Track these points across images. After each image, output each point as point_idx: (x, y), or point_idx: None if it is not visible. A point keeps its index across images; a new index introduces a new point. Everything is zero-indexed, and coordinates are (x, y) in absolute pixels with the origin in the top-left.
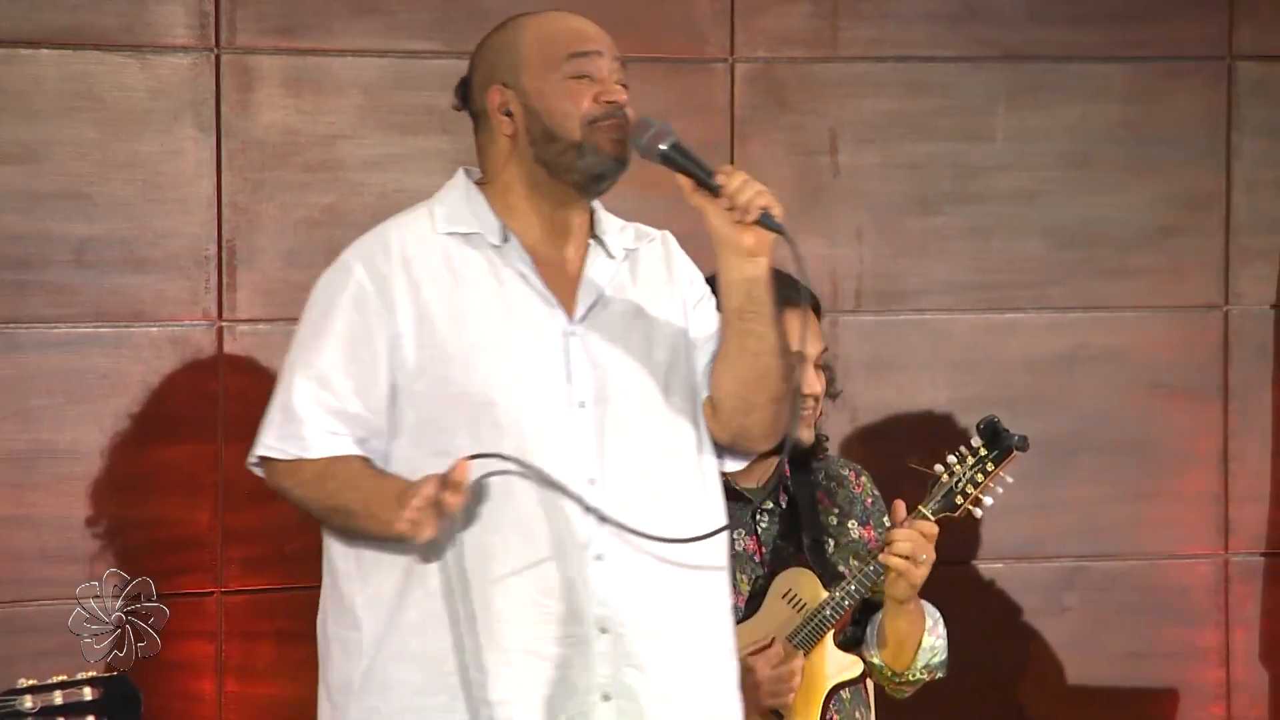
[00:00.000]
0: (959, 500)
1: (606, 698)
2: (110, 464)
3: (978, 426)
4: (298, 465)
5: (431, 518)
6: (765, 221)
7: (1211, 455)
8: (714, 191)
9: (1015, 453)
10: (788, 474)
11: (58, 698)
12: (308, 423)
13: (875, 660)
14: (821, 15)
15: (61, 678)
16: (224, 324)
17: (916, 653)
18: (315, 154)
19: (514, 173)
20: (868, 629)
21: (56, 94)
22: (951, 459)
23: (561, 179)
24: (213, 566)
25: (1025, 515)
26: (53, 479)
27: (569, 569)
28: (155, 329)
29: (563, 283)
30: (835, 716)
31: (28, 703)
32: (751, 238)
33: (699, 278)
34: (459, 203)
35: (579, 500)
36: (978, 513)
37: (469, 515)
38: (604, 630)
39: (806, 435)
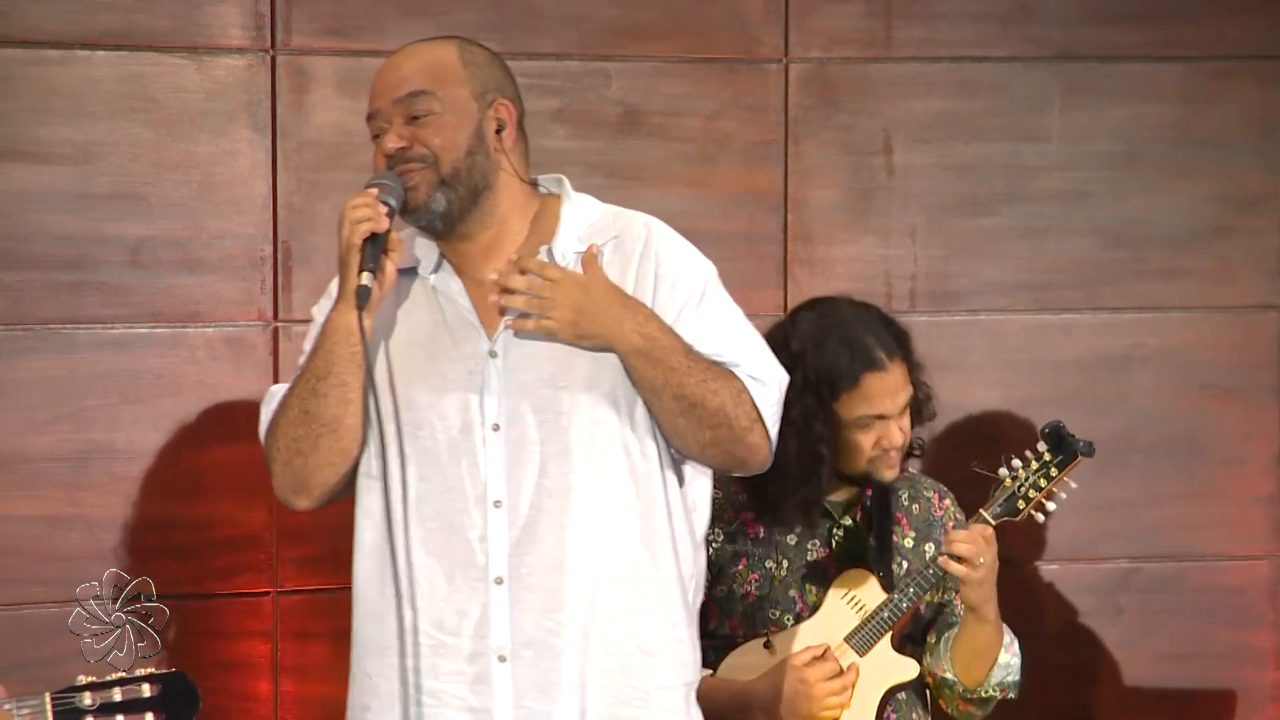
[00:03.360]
0: (1021, 505)
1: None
2: (165, 464)
3: (1042, 431)
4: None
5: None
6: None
7: (1266, 456)
8: None
9: (1080, 458)
10: (869, 492)
11: (116, 694)
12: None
13: (948, 675)
14: (875, 15)
15: (120, 674)
16: (279, 324)
17: (991, 669)
18: (369, 155)
19: None
20: (940, 644)
21: (112, 95)
22: (1016, 463)
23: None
24: (268, 566)
25: (1079, 516)
26: (107, 479)
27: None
28: (210, 330)
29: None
30: (893, 717)
31: (87, 699)
32: None
33: (684, 279)
34: (412, 237)
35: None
36: (1040, 518)
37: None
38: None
39: (888, 474)
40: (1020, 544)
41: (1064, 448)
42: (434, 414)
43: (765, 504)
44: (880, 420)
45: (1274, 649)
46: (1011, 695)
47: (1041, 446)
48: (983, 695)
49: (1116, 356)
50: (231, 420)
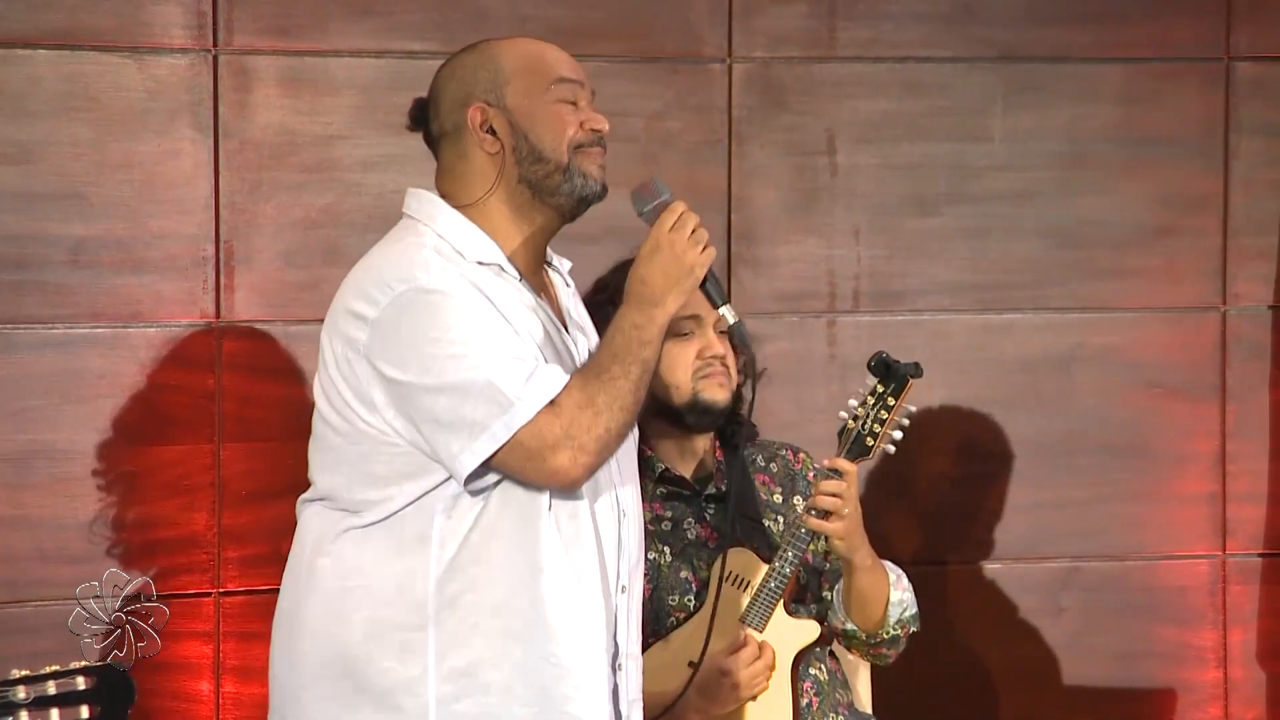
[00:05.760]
0: (870, 442)
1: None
2: (107, 464)
3: (869, 365)
4: (562, 398)
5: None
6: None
7: (1209, 456)
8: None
9: (911, 381)
10: (720, 457)
11: (51, 687)
12: (532, 366)
13: (849, 626)
14: (818, 15)
15: (55, 668)
16: (221, 325)
17: (886, 610)
18: (312, 154)
19: (499, 194)
20: (833, 598)
21: (53, 94)
22: (852, 403)
23: (546, 201)
24: (210, 567)
25: (1022, 515)
26: (49, 479)
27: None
28: (152, 330)
29: (553, 311)
30: (815, 699)
31: (21, 693)
32: None
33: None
34: (462, 231)
35: None
36: (890, 449)
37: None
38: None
39: (718, 394)
40: (963, 543)
41: (893, 374)
42: None
43: None
44: (697, 324)
45: (1215, 648)
46: (914, 629)
47: (871, 380)
48: (885, 636)
49: (1060, 356)
50: (174, 421)
